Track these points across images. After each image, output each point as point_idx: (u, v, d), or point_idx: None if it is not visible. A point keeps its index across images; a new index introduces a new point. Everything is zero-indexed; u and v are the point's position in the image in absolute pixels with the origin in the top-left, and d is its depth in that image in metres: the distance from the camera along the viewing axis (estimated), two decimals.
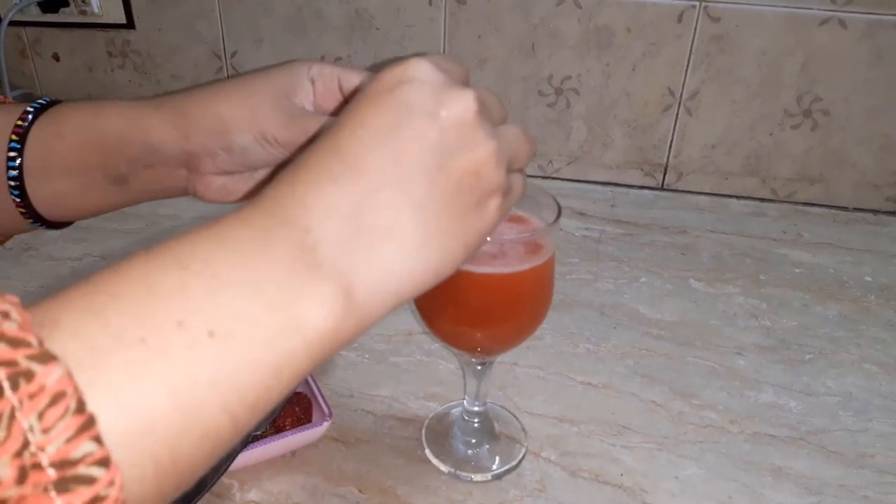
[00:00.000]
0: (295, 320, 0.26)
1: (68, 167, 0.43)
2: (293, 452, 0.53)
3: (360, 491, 0.50)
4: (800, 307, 0.72)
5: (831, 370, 0.63)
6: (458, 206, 0.30)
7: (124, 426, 0.22)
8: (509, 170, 0.32)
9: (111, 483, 0.21)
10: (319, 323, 0.26)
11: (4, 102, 0.46)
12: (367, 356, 0.63)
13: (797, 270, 0.78)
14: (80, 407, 0.21)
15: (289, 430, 0.51)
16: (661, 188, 0.94)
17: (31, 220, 0.44)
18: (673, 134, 0.91)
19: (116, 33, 0.99)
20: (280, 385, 0.26)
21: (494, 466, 0.52)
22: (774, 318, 0.70)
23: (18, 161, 0.42)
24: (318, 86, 0.43)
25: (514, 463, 0.52)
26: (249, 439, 0.48)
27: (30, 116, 0.42)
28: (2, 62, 0.88)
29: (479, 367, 0.51)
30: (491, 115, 0.32)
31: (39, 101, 0.43)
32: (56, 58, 1.03)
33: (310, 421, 0.53)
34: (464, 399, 0.54)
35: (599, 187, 0.95)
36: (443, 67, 0.31)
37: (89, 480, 0.20)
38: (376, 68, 0.32)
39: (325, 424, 0.51)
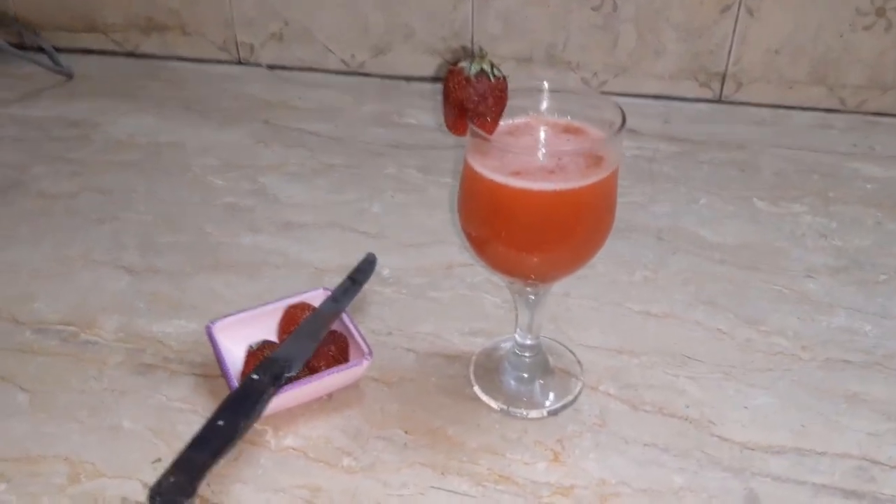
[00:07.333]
0: None
1: None
2: (329, 396, 0.49)
3: (406, 433, 0.47)
4: (873, 225, 0.66)
5: None
6: None
7: None
8: None
9: None
10: None
11: None
12: (404, 291, 0.59)
13: (869, 186, 0.71)
14: None
15: (324, 370, 0.48)
16: (719, 100, 0.87)
17: None
18: (732, 38, 0.82)
19: None
20: None
21: (549, 402, 0.49)
22: (846, 237, 0.64)
23: None
24: None
25: (570, 398, 0.49)
26: (283, 382, 0.45)
27: None
28: None
29: (532, 297, 0.46)
30: None
31: None
32: None
33: (346, 361, 0.50)
34: (515, 333, 0.50)
35: (651, 101, 0.88)
36: None
37: None
38: None
39: (366, 363, 0.48)
